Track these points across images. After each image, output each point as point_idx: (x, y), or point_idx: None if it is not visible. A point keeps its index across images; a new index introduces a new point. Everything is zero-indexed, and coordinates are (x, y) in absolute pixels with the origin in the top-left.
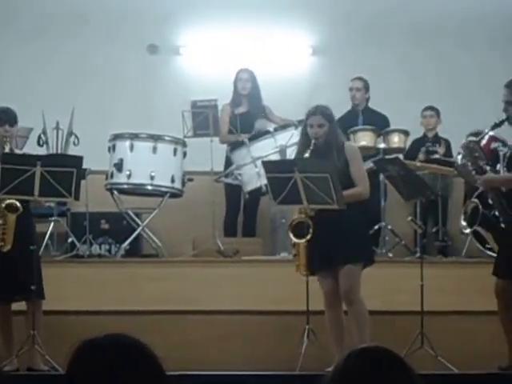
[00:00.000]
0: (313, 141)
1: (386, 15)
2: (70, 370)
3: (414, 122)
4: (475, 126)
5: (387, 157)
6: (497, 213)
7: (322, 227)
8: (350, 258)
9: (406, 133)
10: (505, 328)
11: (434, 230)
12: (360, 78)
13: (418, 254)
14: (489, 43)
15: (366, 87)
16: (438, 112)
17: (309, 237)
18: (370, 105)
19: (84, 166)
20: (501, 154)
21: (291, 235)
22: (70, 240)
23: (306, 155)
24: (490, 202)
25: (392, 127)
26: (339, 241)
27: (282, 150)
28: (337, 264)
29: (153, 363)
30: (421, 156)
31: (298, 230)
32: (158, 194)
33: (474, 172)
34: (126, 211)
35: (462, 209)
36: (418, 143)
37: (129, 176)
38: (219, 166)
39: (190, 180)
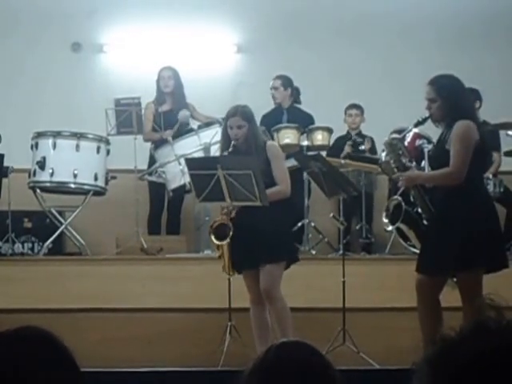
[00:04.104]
0: (232, 142)
1: (309, 12)
2: None
3: (338, 119)
4: (399, 123)
5: (309, 153)
6: (419, 210)
7: (245, 226)
8: (272, 257)
9: (329, 130)
10: (421, 323)
11: (357, 227)
12: (278, 77)
13: (340, 252)
14: (409, 42)
15: (285, 84)
16: (362, 110)
17: (229, 239)
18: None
19: (6, 164)
20: (425, 150)
21: (212, 237)
22: None
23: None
24: (413, 199)
25: (316, 125)
26: (261, 240)
27: (206, 148)
28: (259, 263)
29: (65, 356)
30: (347, 148)
31: (220, 231)
32: (81, 191)
33: (396, 169)
34: (49, 209)
35: (385, 206)
36: (342, 140)
37: (52, 174)
38: (143, 164)
39: (114, 178)
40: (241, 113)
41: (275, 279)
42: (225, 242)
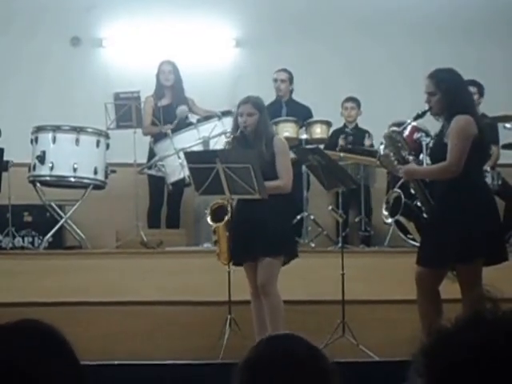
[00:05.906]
0: (239, 129)
1: (308, 7)
2: None
3: (338, 113)
4: (396, 117)
5: (308, 146)
6: (419, 203)
7: (245, 219)
8: (271, 250)
9: (328, 124)
10: (421, 315)
11: (356, 219)
12: (285, 70)
13: (339, 244)
14: (407, 36)
15: (291, 79)
16: (358, 103)
17: (226, 218)
18: (294, 95)
19: (6, 159)
20: (424, 144)
21: (209, 219)
22: None
23: (229, 144)
24: (413, 192)
25: (315, 118)
26: (260, 233)
27: (205, 142)
28: (258, 256)
29: (65, 349)
30: (341, 141)
31: (218, 214)
32: (80, 185)
33: (396, 162)
34: (49, 203)
35: (385, 199)
36: (338, 133)
37: (51, 168)
38: (142, 158)
39: (113, 172)
40: (253, 101)
41: (272, 274)
42: (222, 223)
